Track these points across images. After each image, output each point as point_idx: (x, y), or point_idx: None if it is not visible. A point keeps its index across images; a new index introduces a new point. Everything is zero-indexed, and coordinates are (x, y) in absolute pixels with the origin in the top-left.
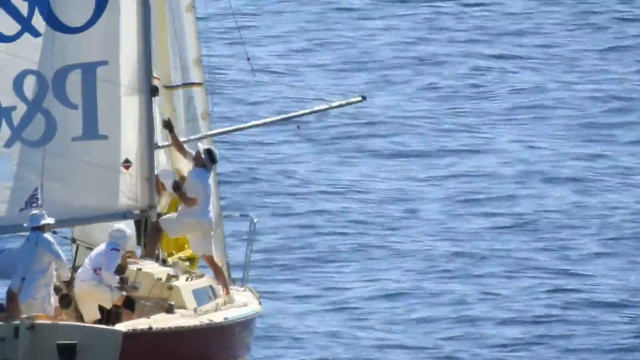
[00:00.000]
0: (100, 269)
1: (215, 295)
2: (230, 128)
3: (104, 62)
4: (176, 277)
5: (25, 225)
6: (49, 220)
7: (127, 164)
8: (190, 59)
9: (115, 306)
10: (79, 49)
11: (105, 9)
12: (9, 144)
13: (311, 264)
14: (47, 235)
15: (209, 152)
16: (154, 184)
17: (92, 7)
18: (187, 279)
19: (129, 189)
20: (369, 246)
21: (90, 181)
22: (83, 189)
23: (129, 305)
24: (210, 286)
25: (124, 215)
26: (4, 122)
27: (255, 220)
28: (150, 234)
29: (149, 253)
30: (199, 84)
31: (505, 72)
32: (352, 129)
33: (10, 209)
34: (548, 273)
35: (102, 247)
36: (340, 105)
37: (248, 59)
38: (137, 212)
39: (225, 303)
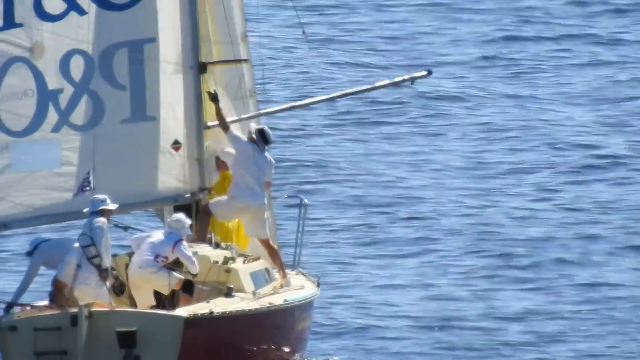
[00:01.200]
0: (165, 257)
1: (271, 278)
2: (284, 106)
3: (152, 40)
4: (233, 259)
5: (84, 210)
6: (110, 206)
7: (176, 145)
8: (235, 35)
9: (172, 290)
10: (125, 26)
11: None
12: (56, 128)
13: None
14: (101, 222)
15: (261, 132)
16: (204, 165)
17: None
18: (243, 262)
19: (178, 171)
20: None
21: (139, 165)
22: (132, 173)
23: (188, 290)
24: (266, 269)
25: (174, 199)
26: (51, 106)
27: (305, 201)
28: (200, 217)
29: (201, 236)
30: (245, 60)
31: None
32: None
33: (61, 196)
34: None
35: (160, 235)
36: (404, 81)
37: (303, 32)
38: (187, 195)
39: (282, 286)
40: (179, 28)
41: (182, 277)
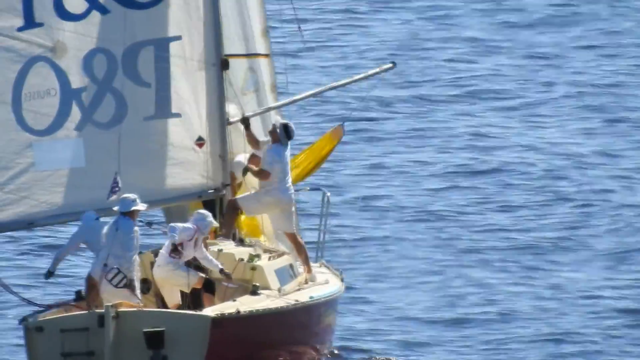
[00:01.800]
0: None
1: (296, 274)
2: (299, 96)
3: (177, 37)
4: (258, 256)
5: (115, 208)
6: (140, 207)
7: (200, 142)
8: (255, 30)
9: (194, 289)
10: (150, 24)
11: None
12: (80, 126)
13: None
14: (130, 222)
15: (285, 127)
16: (227, 161)
17: None
18: (269, 259)
19: (202, 168)
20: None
21: (164, 161)
22: (156, 170)
23: (209, 288)
24: (291, 264)
25: (199, 195)
26: (74, 104)
27: (328, 194)
28: (227, 213)
29: (226, 233)
30: (266, 55)
31: None
32: None
33: (85, 194)
34: None
35: None
36: (371, 75)
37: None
38: (211, 191)
39: (306, 281)
40: (203, 25)
41: (202, 275)
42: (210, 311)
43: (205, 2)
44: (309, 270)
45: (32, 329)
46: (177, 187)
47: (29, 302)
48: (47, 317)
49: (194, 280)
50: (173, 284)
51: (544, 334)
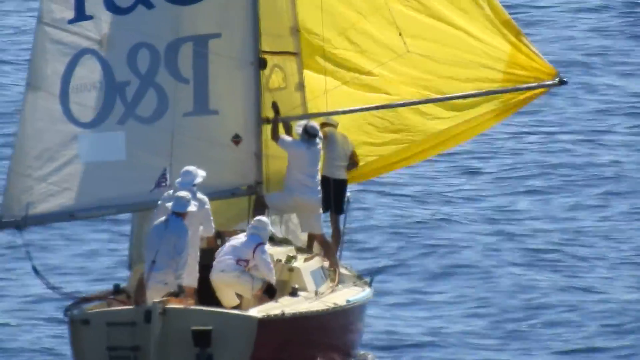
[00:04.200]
0: (246, 260)
1: (325, 276)
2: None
3: (217, 35)
4: (295, 258)
5: (167, 204)
6: (193, 207)
7: (236, 139)
8: (284, 27)
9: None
10: (192, 21)
11: None
12: (122, 120)
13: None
14: (182, 222)
15: (305, 129)
16: (261, 159)
17: None
18: (304, 260)
19: (237, 165)
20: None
21: (200, 158)
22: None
23: (271, 294)
24: (322, 266)
25: (232, 192)
26: (118, 98)
27: (348, 194)
28: (255, 209)
29: None
30: (294, 53)
31: None
32: None
33: (126, 187)
34: None
35: (242, 238)
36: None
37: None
38: (244, 188)
39: (336, 283)
40: (242, 23)
41: (265, 281)
42: (256, 312)
43: (247, 1)
44: (337, 272)
45: (77, 321)
46: (210, 184)
47: (64, 294)
48: (94, 310)
49: (258, 286)
50: (235, 289)
51: None
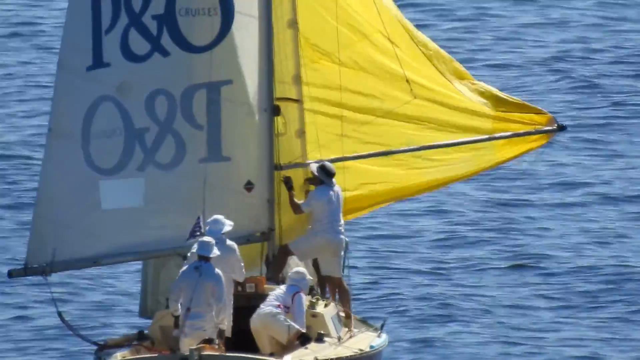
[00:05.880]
0: (287, 307)
1: (341, 321)
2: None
3: (229, 82)
4: (317, 303)
5: (194, 250)
6: (217, 252)
7: (249, 186)
8: (287, 75)
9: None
10: (204, 68)
11: (231, 28)
12: (142, 167)
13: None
14: (212, 267)
15: (322, 167)
16: (274, 205)
17: (218, 25)
18: (325, 305)
19: (250, 212)
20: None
21: (214, 204)
22: (207, 212)
23: (304, 342)
24: (338, 312)
25: (247, 238)
26: (137, 144)
27: (346, 240)
28: (278, 257)
29: (274, 277)
30: (296, 100)
31: None
32: None
33: (147, 233)
34: None
35: (283, 288)
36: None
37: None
38: (258, 235)
39: (351, 329)
40: (256, 71)
41: (302, 330)
42: (289, 358)
43: (260, 48)
44: (351, 318)
45: None
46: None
47: (85, 339)
48: (126, 357)
49: (293, 332)
50: (271, 332)
51: None
